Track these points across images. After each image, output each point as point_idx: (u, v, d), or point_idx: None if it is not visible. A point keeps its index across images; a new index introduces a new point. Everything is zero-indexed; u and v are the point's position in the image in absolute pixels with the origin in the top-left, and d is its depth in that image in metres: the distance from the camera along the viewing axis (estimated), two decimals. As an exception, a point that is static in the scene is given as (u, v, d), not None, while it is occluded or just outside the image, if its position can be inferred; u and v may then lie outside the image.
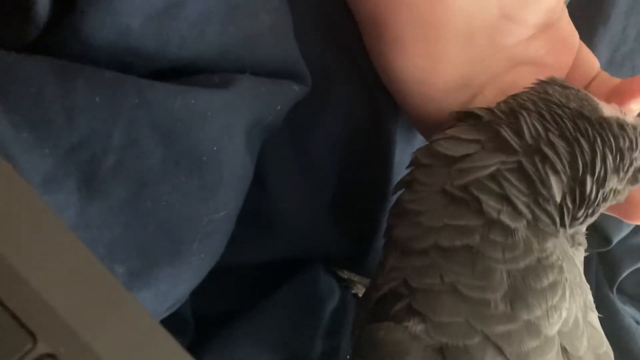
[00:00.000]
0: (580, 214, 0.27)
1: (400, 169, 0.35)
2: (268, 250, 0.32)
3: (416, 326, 0.25)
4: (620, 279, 0.52)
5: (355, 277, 0.35)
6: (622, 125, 0.28)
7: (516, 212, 0.25)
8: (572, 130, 0.26)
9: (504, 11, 0.30)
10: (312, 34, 0.30)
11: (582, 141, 0.26)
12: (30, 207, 0.15)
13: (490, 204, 0.25)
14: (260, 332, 0.31)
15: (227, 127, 0.22)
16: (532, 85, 0.30)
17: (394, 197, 0.29)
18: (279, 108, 0.25)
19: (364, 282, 0.35)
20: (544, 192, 0.26)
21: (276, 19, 0.24)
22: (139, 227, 0.20)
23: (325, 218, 0.33)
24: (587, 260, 0.30)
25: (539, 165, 0.26)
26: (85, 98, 0.19)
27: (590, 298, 0.29)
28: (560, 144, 0.26)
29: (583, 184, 0.26)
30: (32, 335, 0.14)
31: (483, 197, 0.25)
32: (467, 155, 0.26)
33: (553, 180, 0.26)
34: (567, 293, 0.26)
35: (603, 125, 0.27)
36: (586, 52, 0.34)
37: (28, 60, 0.18)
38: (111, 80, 0.19)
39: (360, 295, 0.35)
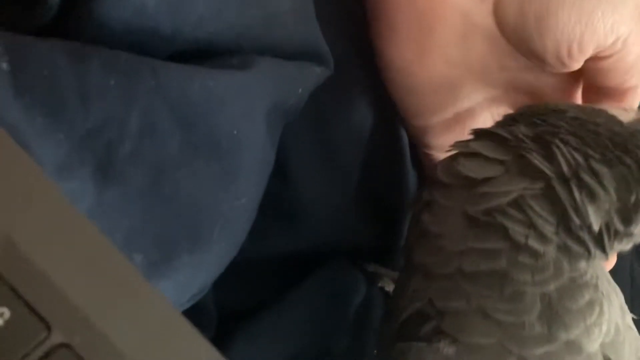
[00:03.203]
0: (637, 230, 0.26)
1: None
2: (291, 241, 0.31)
3: (448, 348, 0.24)
4: (657, 271, 0.51)
5: (381, 270, 0.35)
6: None
7: (544, 237, 0.25)
8: (613, 150, 0.25)
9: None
10: (334, 20, 0.29)
11: (627, 159, 0.25)
12: (45, 194, 0.15)
13: (517, 230, 0.24)
14: (284, 325, 0.31)
15: (246, 111, 0.22)
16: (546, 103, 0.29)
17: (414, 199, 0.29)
18: (300, 91, 0.24)
19: (391, 275, 0.34)
20: (578, 220, 0.25)
21: None
22: (157, 214, 0.20)
23: (348, 208, 0.32)
24: (621, 254, 0.29)
25: (576, 194, 0.24)
26: (100, 81, 0.18)
27: (623, 300, 0.28)
28: (603, 170, 0.25)
29: (637, 201, 0.25)
30: (47, 325, 0.14)
31: (508, 224, 0.25)
32: (489, 179, 0.25)
33: (591, 209, 0.25)
34: (606, 306, 0.25)
35: (636, 135, 0.26)
36: None
37: (40, 42, 0.18)
38: (127, 62, 0.19)
39: (387, 288, 0.34)
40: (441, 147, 0.31)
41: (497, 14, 0.29)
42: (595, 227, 0.25)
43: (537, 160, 0.25)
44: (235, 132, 0.21)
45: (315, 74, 0.25)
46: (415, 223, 0.28)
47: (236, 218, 0.22)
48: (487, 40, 0.29)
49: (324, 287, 0.32)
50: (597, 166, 0.25)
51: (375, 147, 0.32)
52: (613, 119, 0.27)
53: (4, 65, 0.17)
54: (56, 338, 0.14)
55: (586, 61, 0.29)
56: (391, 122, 0.33)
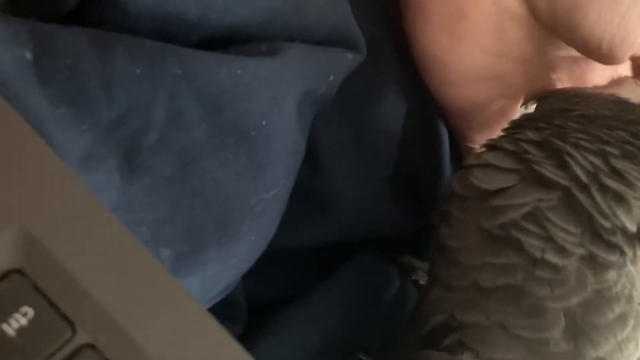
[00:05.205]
0: None
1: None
2: (322, 232, 0.30)
3: None
4: None
5: (416, 263, 0.34)
6: None
7: (563, 250, 0.23)
8: (631, 141, 0.24)
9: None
10: (367, 5, 0.29)
11: None
12: (68, 188, 0.15)
13: (532, 244, 0.24)
14: (314, 317, 0.30)
15: (275, 99, 0.21)
16: (549, 102, 0.28)
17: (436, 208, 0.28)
18: (331, 78, 0.23)
19: (426, 267, 0.34)
20: (608, 224, 0.23)
21: None
22: (184, 207, 0.19)
23: (381, 198, 0.31)
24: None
25: (599, 199, 0.23)
26: (125, 70, 0.18)
27: None
28: (626, 166, 0.23)
29: None
30: (71, 325, 0.13)
31: (523, 238, 0.24)
32: (503, 190, 0.25)
33: (620, 211, 0.23)
34: None
35: None
36: None
37: (63, 30, 0.17)
38: (151, 50, 0.18)
39: (421, 281, 0.34)
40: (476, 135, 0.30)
41: (530, 1, 0.27)
42: (632, 228, 0.23)
43: (549, 171, 0.24)
44: (264, 122, 0.20)
45: (347, 61, 0.24)
46: (434, 235, 0.27)
47: (266, 210, 0.22)
48: (523, 27, 0.28)
49: (356, 279, 0.32)
50: (619, 163, 0.24)
51: (410, 136, 0.31)
52: (624, 104, 0.26)
53: (28, 55, 0.16)
54: (81, 338, 0.13)
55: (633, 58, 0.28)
56: (427, 109, 0.32)
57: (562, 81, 0.30)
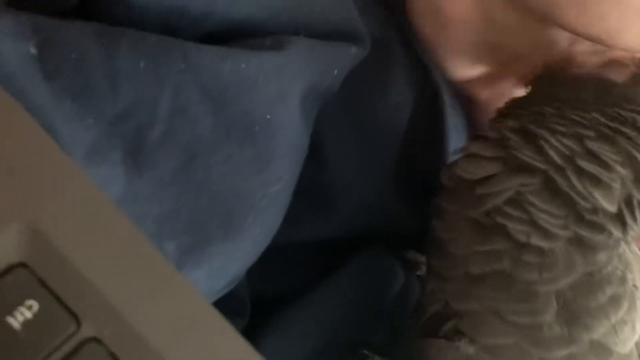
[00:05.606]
0: None
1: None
2: (327, 227, 0.30)
3: (467, 347, 0.24)
4: None
5: (420, 258, 0.34)
6: None
7: (549, 233, 0.23)
8: (607, 123, 0.24)
9: None
10: (366, 3, 0.28)
11: (625, 129, 0.24)
12: (73, 182, 0.14)
13: (517, 229, 0.24)
14: (318, 313, 0.30)
15: (280, 93, 0.21)
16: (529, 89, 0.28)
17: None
18: (335, 72, 0.23)
19: (429, 261, 0.34)
20: (589, 205, 0.23)
21: None
22: (189, 201, 0.19)
23: (385, 193, 0.31)
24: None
25: (575, 181, 0.23)
26: (129, 64, 0.18)
27: None
28: (603, 148, 0.23)
29: None
30: (76, 318, 0.13)
31: (508, 223, 0.24)
32: (486, 178, 0.25)
33: (598, 193, 0.23)
34: (639, 300, 0.24)
35: (630, 98, 0.24)
36: None
37: (68, 25, 0.17)
38: (156, 44, 0.18)
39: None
40: (491, 99, 0.30)
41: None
42: (611, 209, 0.23)
43: (527, 156, 0.24)
44: (268, 116, 0.20)
45: (350, 55, 0.24)
46: (429, 228, 0.28)
47: (270, 205, 0.22)
48: (514, 15, 0.28)
49: (360, 275, 0.31)
50: (595, 146, 0.23)
51: (414, 132, 0.31)
52: (602, 86, 0.26)
53: (32, 49, 0.16)
54: (86, 332, 0.13)
55: None
56: (431, 103, 0.32)
57: (574, 56, 0.30)
